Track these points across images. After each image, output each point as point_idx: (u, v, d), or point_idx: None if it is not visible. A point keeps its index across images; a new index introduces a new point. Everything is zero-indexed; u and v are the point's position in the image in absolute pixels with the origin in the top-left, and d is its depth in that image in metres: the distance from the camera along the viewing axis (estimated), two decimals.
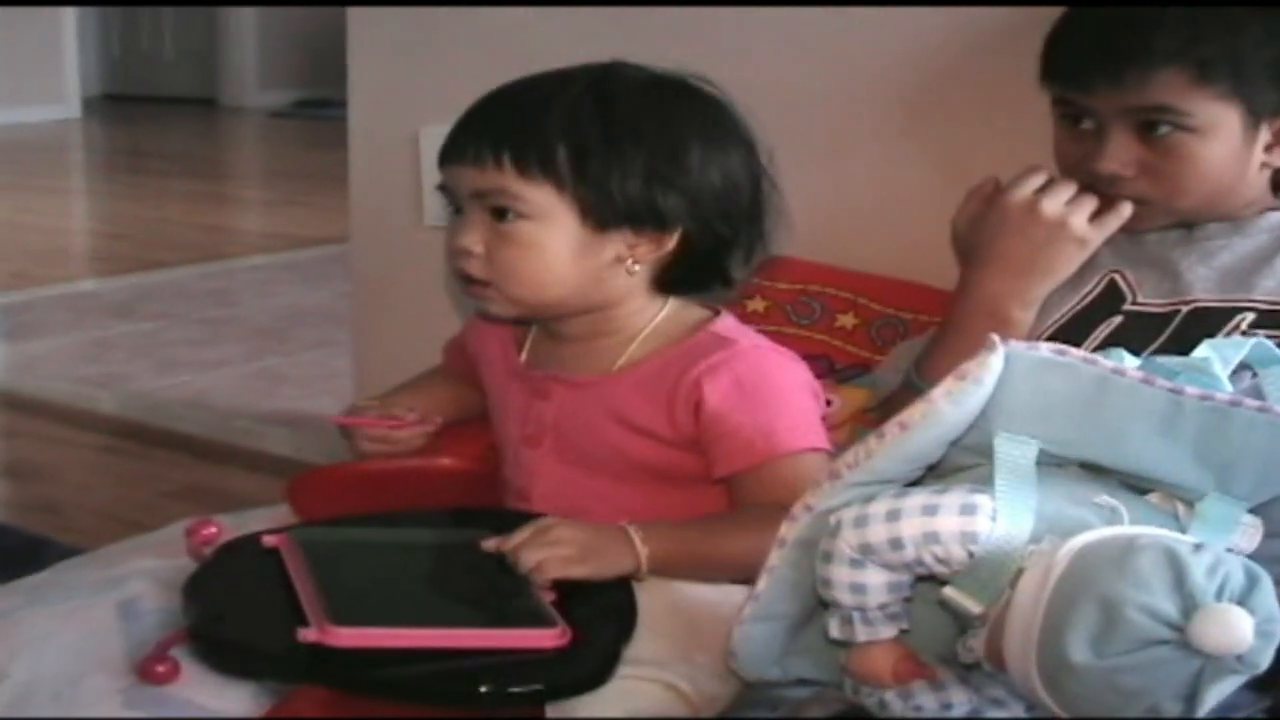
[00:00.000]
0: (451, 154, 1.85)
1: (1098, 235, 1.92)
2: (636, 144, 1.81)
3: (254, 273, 6.23)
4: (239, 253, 6.65)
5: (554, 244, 1.81)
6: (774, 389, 1.83)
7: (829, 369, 2.19)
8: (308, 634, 1.54)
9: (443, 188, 1.89)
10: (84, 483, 3.90)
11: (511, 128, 1.81)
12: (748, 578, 1.60)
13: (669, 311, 1.90)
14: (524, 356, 1.97)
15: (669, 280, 1.88)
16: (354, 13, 3.07)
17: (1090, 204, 1.92)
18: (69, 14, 10.91)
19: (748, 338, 1.87)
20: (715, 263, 1.89)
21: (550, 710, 1.58)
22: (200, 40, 11.64)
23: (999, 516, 1.37)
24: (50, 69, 10.77)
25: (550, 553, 1.67)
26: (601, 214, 1.81)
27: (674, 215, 1.82)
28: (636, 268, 1.85)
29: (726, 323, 1.90)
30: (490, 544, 1.71)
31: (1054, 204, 1.92)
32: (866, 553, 1.41)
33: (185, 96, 11.63)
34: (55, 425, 4.29)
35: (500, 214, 1.81)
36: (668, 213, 1.82)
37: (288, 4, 11.00)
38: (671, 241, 1.84)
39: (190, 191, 8.39)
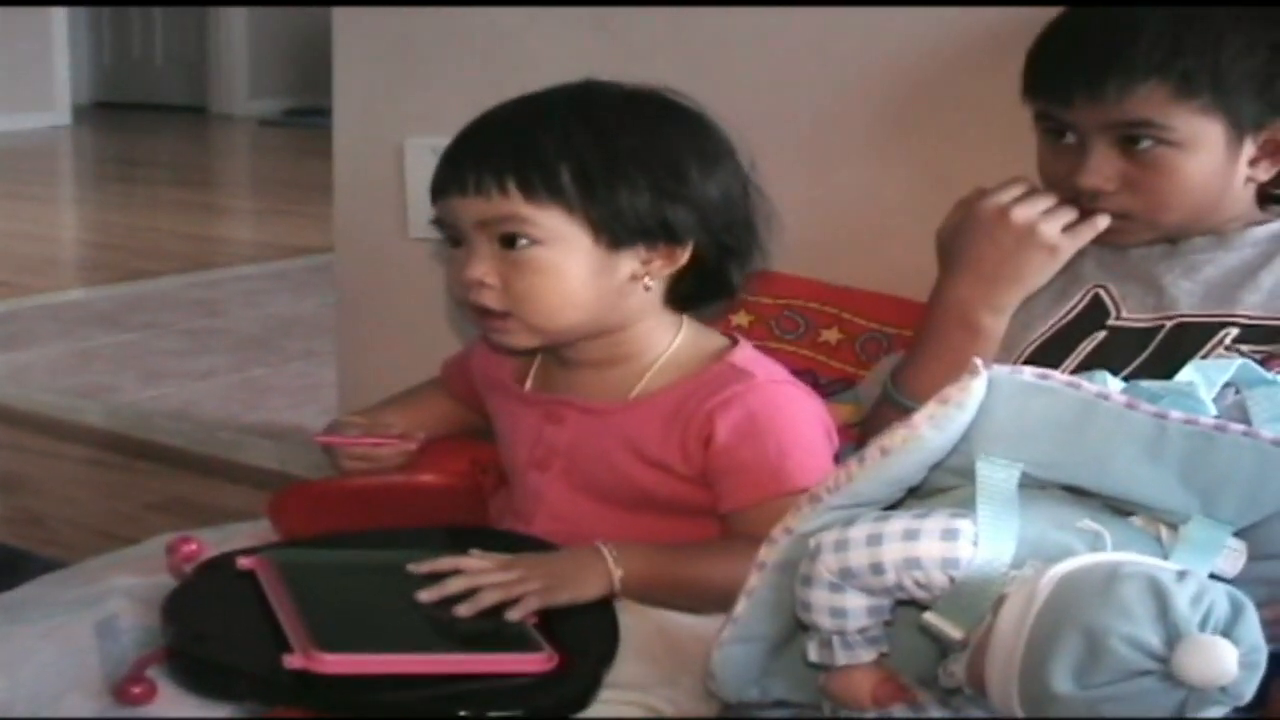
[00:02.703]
0: (449, 186, 1.82)
1: (1070, 245, 1.91)
2: (634, 159, 1.79)
3: (242, 282, 6.20)
4: (227, 262, 6.62)
5: (571, 267, 1.79)
6: (786, 426, 1.81)
7: (813, 384, 2.18)
8: (293, 660, 1.52)
9: (438, 222, 1.86)
10: (67, 495, 3.87)
11: (510, 153, 1.78)
12: (727, 606, 1.59)
13: (685, 338, 1.89)
14: (529, 384, 1.95)
15: (682, 294, 1.87)
16: (339, 24, 3.05)
17: (1066, 215, 1.91)
18: (60, 21, 10.90)
19: (765, 370, 1.86)
20: (721, 274, 1.88)
21: None
22: (190, 48, 11.64)
23: (981, 541, 1.36)
24: (41, 76, 10.76)
25: (525, 588, 1.66)
26: (614, 232, 1.79)
27: (685, 228, 1.81)
28: (652, 284, 1.84)
29: (745, 353, 1.88)
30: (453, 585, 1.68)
31: (1025, 211, 1.91)
32: (846, 577, 1.40)
33: (175, 104, 11.64)
34: (38, 437, 4.26)
35: (509, 241, 1.79)
36: (678, 225, 1.81)
37: (275, 4, 10.99)
38: (685, 254, 1.83)
39: (179, 200, 8.37)
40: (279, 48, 11.30)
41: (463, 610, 1.64)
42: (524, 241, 1.78)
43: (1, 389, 4.67)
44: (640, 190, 1.79)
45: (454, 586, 1.66)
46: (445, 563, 1.70)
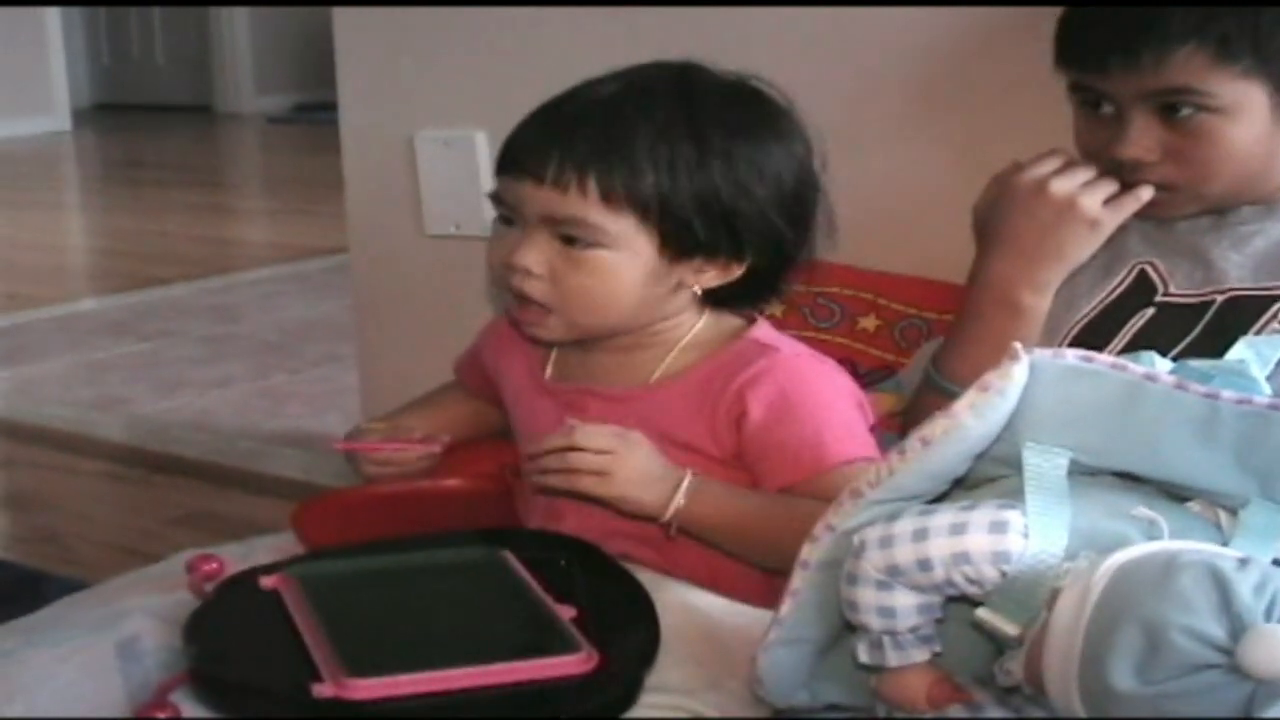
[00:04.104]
0: (521, 167, 1.80)
1: (1112, 219, 1.90)
2: (724, 163, 1.79)
3: (257, 286, 6.20)
4: (241, 266, 6.63)
5: (628, 273, 1.79)
6: (818, 399, 1.81)
7: (853, 373, 2.16)
8: (322, 689, 1.51)
9: (496, 197, 1.84)
10: (84, 512, 3.88)
11: (598, 150, 1.77)
12: (782, 566, 1.60)
13: (707, 319, 1.89)
14: (549, 371, 1.95)
15: (722, 297, 1.87)
16: (339, 16, 3.04)
17: (1108, 187, 1.89)
18: (55, 22, 10.89)
19: (789, 345, 1.86)
20: (773, 280, 1.89)
21: None
22: (192, 45, 11.64)
23: (1031, 533, 1.34)
24: (37, 79, 10.76)
25: (597, 465, 1.73)
26: (682, 245, 1.79)
27: (756, 244, 1.81)
28: (699, 292, 1.84)
29: (766, 330, 1.88)
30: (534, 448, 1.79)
31: (1064, 184, 1.90)
32: (894, 574, 1.39)
33: (179, 104, 11.64)
34: (53, 452, 4.27)
35: (570, 239, 1.78)
36: (748, 243, 1.81)
37: (274, 3, 11.00)
38: (740, 270, 1.83)
39: (188, 203, 8.38)
40: (284, 41, 11.30)
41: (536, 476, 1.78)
42: (584, 242, 1.78)
43: (13, 404, 4.68)
44: (720, 205, 1.79)
45: (554, 444, 1.76)
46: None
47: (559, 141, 1.78)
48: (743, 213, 1.79)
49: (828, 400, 1.82)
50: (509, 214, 1.83)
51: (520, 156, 1.81)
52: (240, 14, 11.40)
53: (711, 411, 1.81)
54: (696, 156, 1.78)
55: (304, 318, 5.59)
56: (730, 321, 1.90)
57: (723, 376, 1.82)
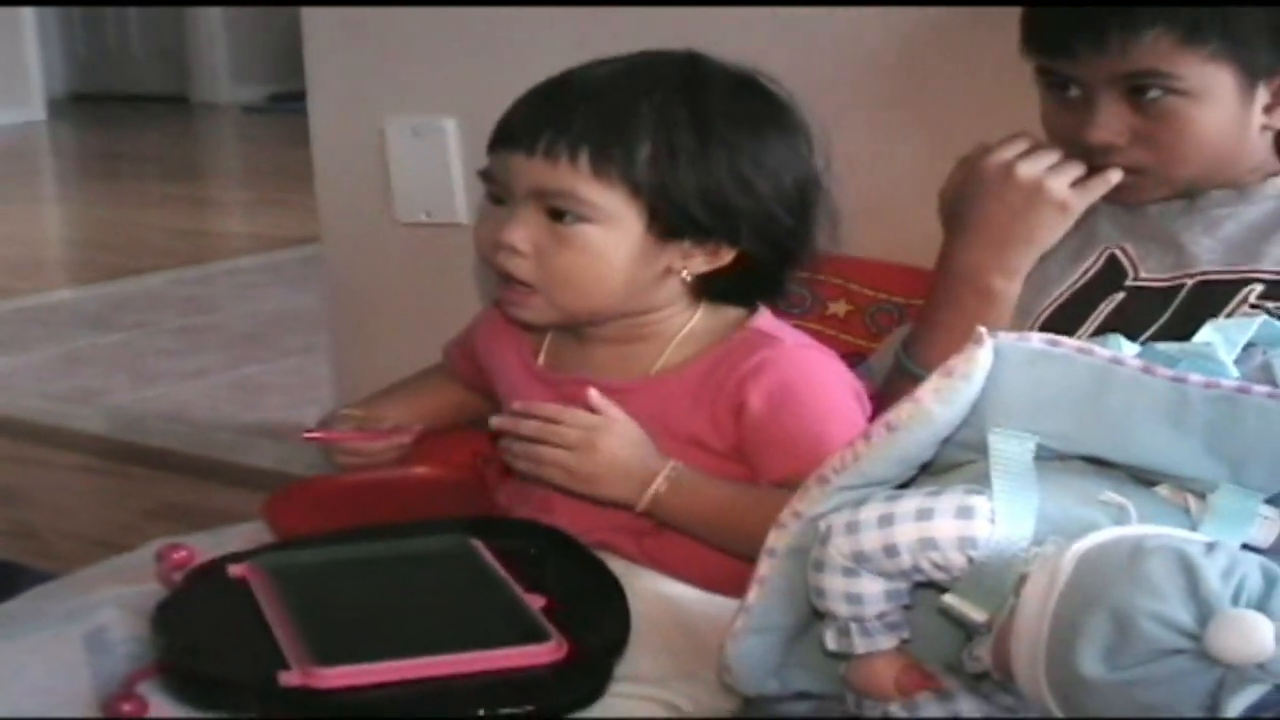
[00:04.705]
0: (514, 141, 1.79)
1: (1080, 201, 1.89)
2: (724, 152, 1.77)
3: (233, 276, 6.18)
4: (218, 256, 6.60)
5: (615, 251, 1.78)
6: (820, 392, 1.80)
7: None
8: (290, 678, 1.50)
9: (486, 174, 1.83)
10: (60, 505, 3.87)
11: (594, 122, 1.76)
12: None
13: (704, 312, 1.87)
14: (542, 359, 1.93)
15: (717, 290, 1.85)
16: (307, 6, 3.03)
17: (1075, 170, 1.88)
18: (29, 12, 10.85)
19: (791, 336, 1.85)
20: (772, 276, 1.87)
21: None
22: (168, 36, 11.58)
23: (998, 518, 1.34)
24: (12, 70, 10.69)
25: (566, 459, 1.74)
26: (671, 223, 1.78)
27: (747, 229, 1.79)
28: (688, 278, 1.82)
29: (766, 318, 1.87)
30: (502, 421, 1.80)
31: (1031, 168, 1.89)
32: (860, 561, 1.39)
33: (155, 94, 11.58)
34: (28, 445, 4.26)
35: (558, 214, 1.77)
36: (741, 226, 1.79)
37: (243, 4, 10.98)
38: (729, 257, 1.81)
39: (165, 194, 8.35)
40: (260, 32, 11.24)
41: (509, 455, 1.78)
42: (572, 217, 1.77)
43: None
44: (717, 185, 1.77)
45: (526, 429, 1.77)
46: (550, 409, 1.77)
47: (554, 115, 1.78)
48: (736, 199, 1.78)
49: (829, 393, 1.81)
50: (499, 191, 1.82)
51: (513, 130, 1.80)
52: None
53: (712, 403, 1.80)
54: (694, 137, 1.77)
55: (280, 308, 5.57)
56: (731, 313, 1.88)
57: (725, 368, 1.80)
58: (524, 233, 1.78)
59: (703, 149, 1.76)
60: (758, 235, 1.80)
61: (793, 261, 1.87)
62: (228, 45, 11.45)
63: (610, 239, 1.77)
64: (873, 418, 1.86)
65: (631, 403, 1.81)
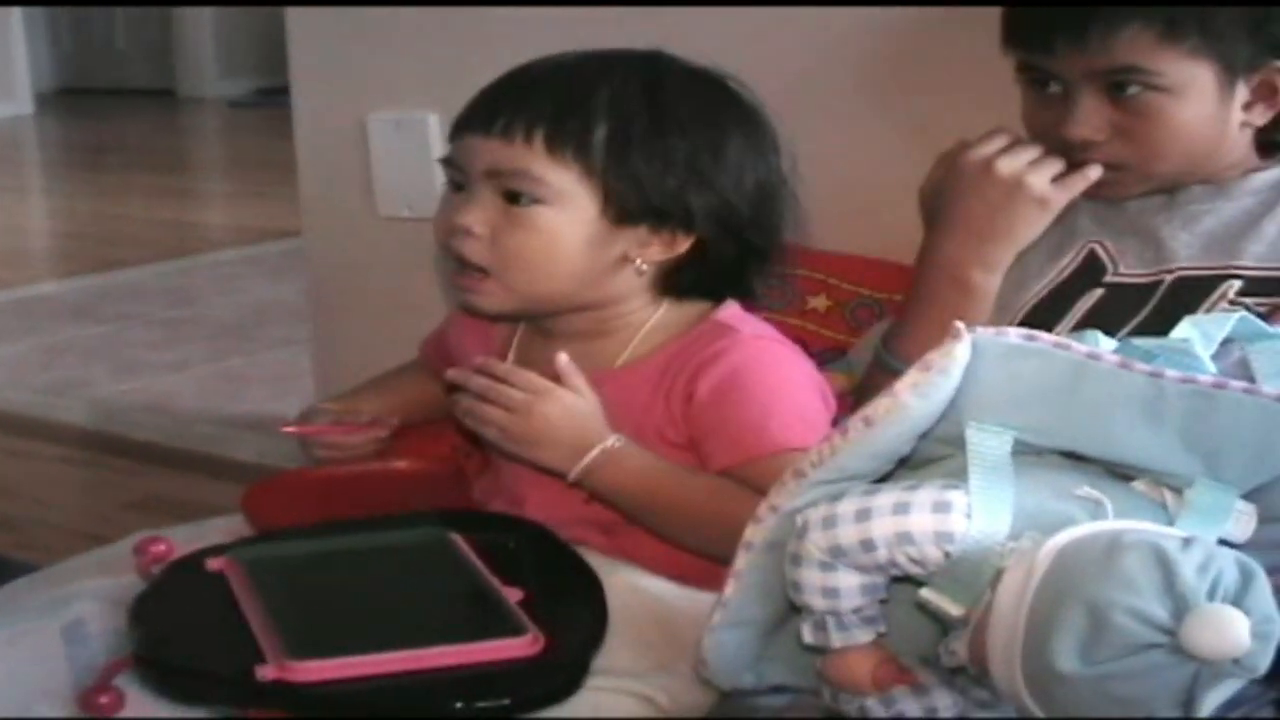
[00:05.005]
0: (472, 123, 1.80)
1: (1060, 196, 1.89)
2: (681, 137, 1.78)
3: (216, 269, 6.17)
4: (201, 248, 6.59)
5: (568, 232, 1.77)
6: (769, 382, 1.78)
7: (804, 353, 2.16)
8: (265, 671, 1.50)
9: (448, 161, 1.83)
10: (41, 496, 3.85)
11: (549, 102, 1.76)
12: (700, 547, 1.68)
13: (669, 307, 1.86)
14: (511, 356, 1.92)
15: (678, 285, 1.85)
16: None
17: (1054, 166, 1.88)
18: (14, 5, 10.83)
19: (751, 327, 1.84)
20: (738, 272, 1.86)
21: None
22: (154, 30, 11.57)
23: (974, 513, 1.33)
24: None
25: (502, 420, 1.74)
26: (624, 206, 1.77)
27: (700, 217, 1.79)
28: (645, 268, 1.81)
29: (730, 310, 1.86)
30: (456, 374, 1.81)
31: (1011, 163, 1.88)
32: (837, 555, 1.38)
33: (142, 88, 11.57)
34: (9, 437, 4.24)
35: (514, 197, 1.77)
36: (695, 214, 1.78)
37: (230, 4, 10.96)
38: (685, 245, 1.81)
39: (151, 186, 8.34)
40: (246, 26, 11.22)
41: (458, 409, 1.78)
42: (526, 199, 1.76)
43: None
44: (671, 168, 1.77)
45: (475, 384, 1.77)
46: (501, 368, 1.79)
47: (512, 97, 1.79)
48: (691, 187, 1.77)
49: (780, 384, 1.79)
50: (458, 176, 1.82)
51: (471, 113, 1.81)
52: None
53: (668, 394, 1.79)
54: (651, 123, 1.77)
55: (262, 300, 5.55)
56: (696, 308, 1.87)
57: (682, 359, 1.80)
58: (479, 215, 1.78)
59: (659, 135, 1.77)
60: (714, 226, 1.80)
61: (755, 257, 1.86)
62: (213, 40, 11.43)
63: (564, 220, 1.77)
64: (852, 411, 1.86)
65: (599, 395, 1.80)
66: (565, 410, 1.75)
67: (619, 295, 1.83)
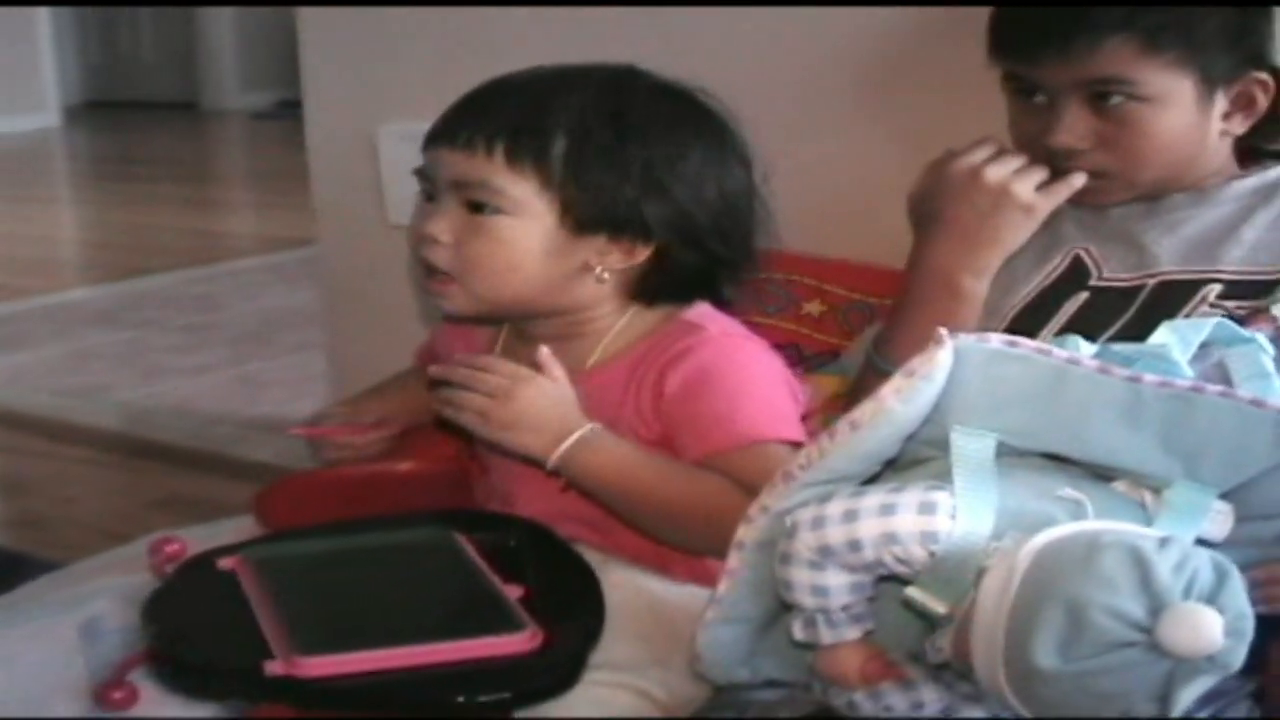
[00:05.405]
0: (440, 136, 1.80)
1: (1046, 204, 1.89)
2: (638, 149, 1.76)
3: (238, 276, 6.18)
4: (223, 256, 6.60)
5: (527, 241, 1.77)
6: (737, 377, 1.77)
7: (798, 357, 2.15)
8: (274, 666, 1.49)
9: (420, 172, 1.83)
10: (68, 496, 3.85)
11: (510, 115, 1.76)
12: (678, 539, 1.68)
13: (638, 311, 1.85)
14: None
15: (645, 291, 1.83)
16: (303, 14, 3.04)
17: (1039, 174, 1.88)
18: (44, 22, 10.85)
19: (718, 325, 1.82)
20: (703, 280, 1.84)
21: (519, 715, 1.54)
22: (179, 44, 11.59)
23: (959, 514, 1.32)
24: (28, 77, 10.71)
25: (481, 405, 1.71)
26: (583, 216, 1.76)
27: (657, 227, 1.78)
28: (606, 276, 1.80)
29: (699, 309, 1.85)
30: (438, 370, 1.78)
31: (997, 172, 1.88)
32: (825, 555, 1.37)
33: (166, 101, 11.59)
34: (37, 438, 4.25)
35: (477, 207, 1.77)
36: (652, 224, 1.77)
37: (248, 3, 10.96)
38: (644, 254, 1.79)
39: (176, 197, 8.35)
40: (268, 40, 11.24)
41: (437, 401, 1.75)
42: (489, 209, 1.76)
43: (1, 392, 4.64)
44: (628, 179, 1.76)
45: (456, 375, 1.74)
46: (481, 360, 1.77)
47: (478, 110, 1.79)
48: (648, 198, 1.76)
49: (747, 378, 1.78)
50: (428, 187, 1.82)
51: (439, 127, 1.81)
52: (225, 13, 11.35)
53: (638, 392, 1.78)
54: (609, 135, 1.76)
55: (281, 306, 5.56)
56: (665, 311, 1.85)
57: (651, 356, 1.79)
58: (445, 224, 1.78)
59: (617, 147, 1.76)
60: (673, 235, 1.79)
61: (722, 264, 1.84)
62: (236, 53, 11.46)
63: (523, 229, 1.76)
64: (844, 413, 1.85)
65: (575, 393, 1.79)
66: (545, 395, 1.73)
67: (584, 301, 1.83)
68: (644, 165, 1.76)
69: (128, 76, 11.95)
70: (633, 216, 1.77)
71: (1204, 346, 1.45)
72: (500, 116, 1.76)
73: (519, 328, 1.89)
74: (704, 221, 1.79)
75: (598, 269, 1.79)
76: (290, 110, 10.77)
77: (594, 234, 1.77)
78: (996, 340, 1.37)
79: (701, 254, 1.81)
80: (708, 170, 1.80)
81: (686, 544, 1.72)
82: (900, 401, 1.35)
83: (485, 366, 1.75)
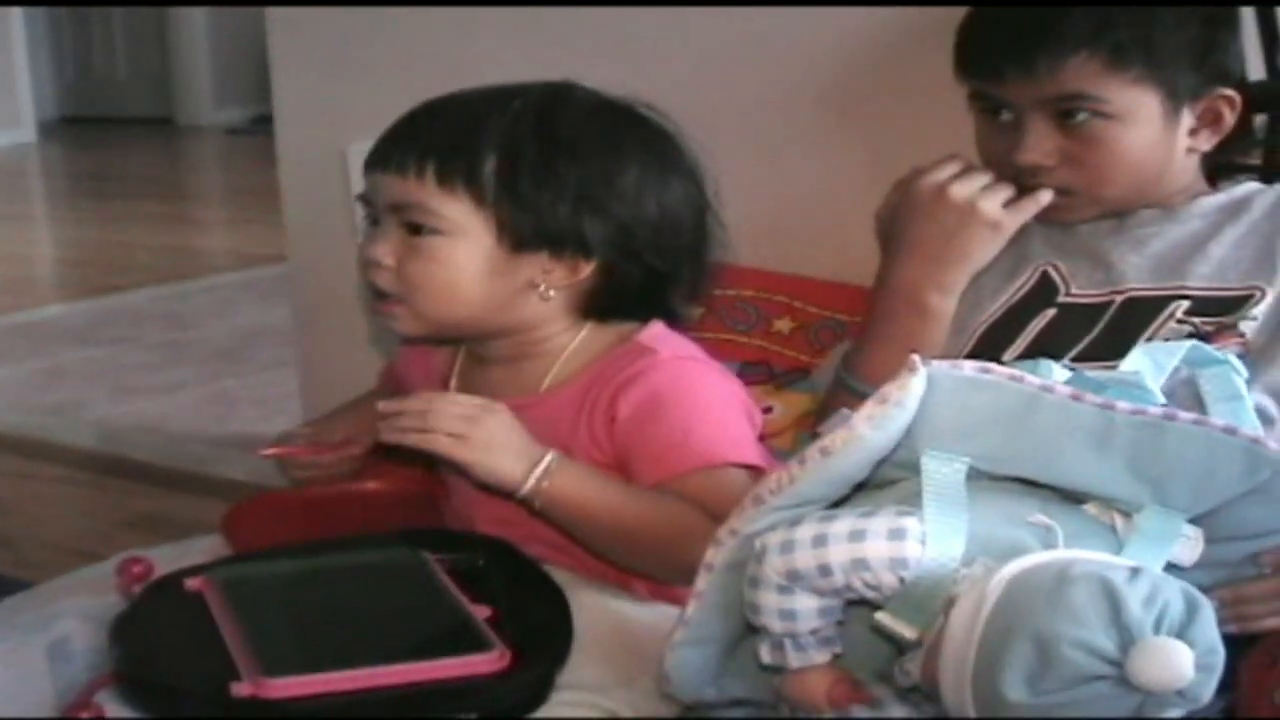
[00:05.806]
0: (375, 162, 1.80)
1: (1012, 221, 1.89)
2: (571, 165, 1.75)
3: (211, 293, 6.15)
4: (197, 273, 6.57)
5: (464, 261, 1.76)
6: (691, 401, 1.76)
7: (769, 374, 2.15)
8: (241, 688, 1.48)
9: (363, 198, 1.83)
10: (38, 515, 3.82)
11: (440, 137, 1.76)
12: (642, 564, 1.68)
13: (591, 330, 1.84)
14: (454, 382, 1.92)
15: (595, 308, 1.82)
16: (273, 31, 3.04)
17: (1005, 191, 1.88)
18: (19, 36, 10.82)
19: (671, 347, 1.81)
20: (652, 295, 1.83)
21: None
22: (154, 59, 11.56)
23: (929, 540, 1.32)
24: (2, 93, 10.66)
25: (454, 428, 1.67)
26: (519, 234, 1.75)
27: (597, 243, 1.77)
28: (551, 294, 1.79)
29: (653, 331, 1.83)
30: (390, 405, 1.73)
31: (963, 189, 1.88)
32: (794, 579, 1.36)
33: (141, 117, 11.57)
34: (8, 456, 4.22)
35: (415, 229, 1.76)
36: (591, 240, 1.76)
37: (216, 3, 10.95)
38: (587, 270, 1.78)
39: (150, 213, 8.31)
40: (243, 55, 11.20)
41: (383, 433, 1.71)
42: (426, 230, 1.76)
43: None
44: (562, 197, 1.75)
45: (412, 405, 1.70)
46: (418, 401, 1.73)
47: (410, 133, 1.79)
48: (584, 214, 1.76)
49: (701, 403, 1.77)
50: (372, 212, 1.83)
51: (374, 152, 1.81)
52: (199, 28, 11.32)
53: (590, 416, 1.77)
54: (540, 151, 1.75)
55: (255, 324, 5.53)
56: (619, 330, 1.84)
57: (603, 379, 1.78)
58: (386, 247, 1.78)
59: (549, 163, 1.75)
60: (613, 251, 1.78)
61: (669, 280, 1.83)
62: (211, 69, 11.43)
63: (460, 249, 1.76)
64: (814, 430, 1.85)
65: (525, 420, 1.76)
66: (510, 426, 1.71)
67: (534, 320, 1.82)
68: (578, 181, 1.75)
69: (103, 92, 11.91)
70: (571, 233, 1.76)
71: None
72: (431, 138, 1.76)
73: (473, 349, 1.89)
74: (644, 237, 1.78)
75: (542, 287, 1.78)
76: (265, 126, 10.65)
77: (534, 251, 1.77)
78: (969, 367, 1.37)
79: (643, 269, 1.79)
80: (647, 185, 1.79)
81: (649, 568, 1.72)
82: (872, 428, 1.34)
83: (444, 399, 1.74)
